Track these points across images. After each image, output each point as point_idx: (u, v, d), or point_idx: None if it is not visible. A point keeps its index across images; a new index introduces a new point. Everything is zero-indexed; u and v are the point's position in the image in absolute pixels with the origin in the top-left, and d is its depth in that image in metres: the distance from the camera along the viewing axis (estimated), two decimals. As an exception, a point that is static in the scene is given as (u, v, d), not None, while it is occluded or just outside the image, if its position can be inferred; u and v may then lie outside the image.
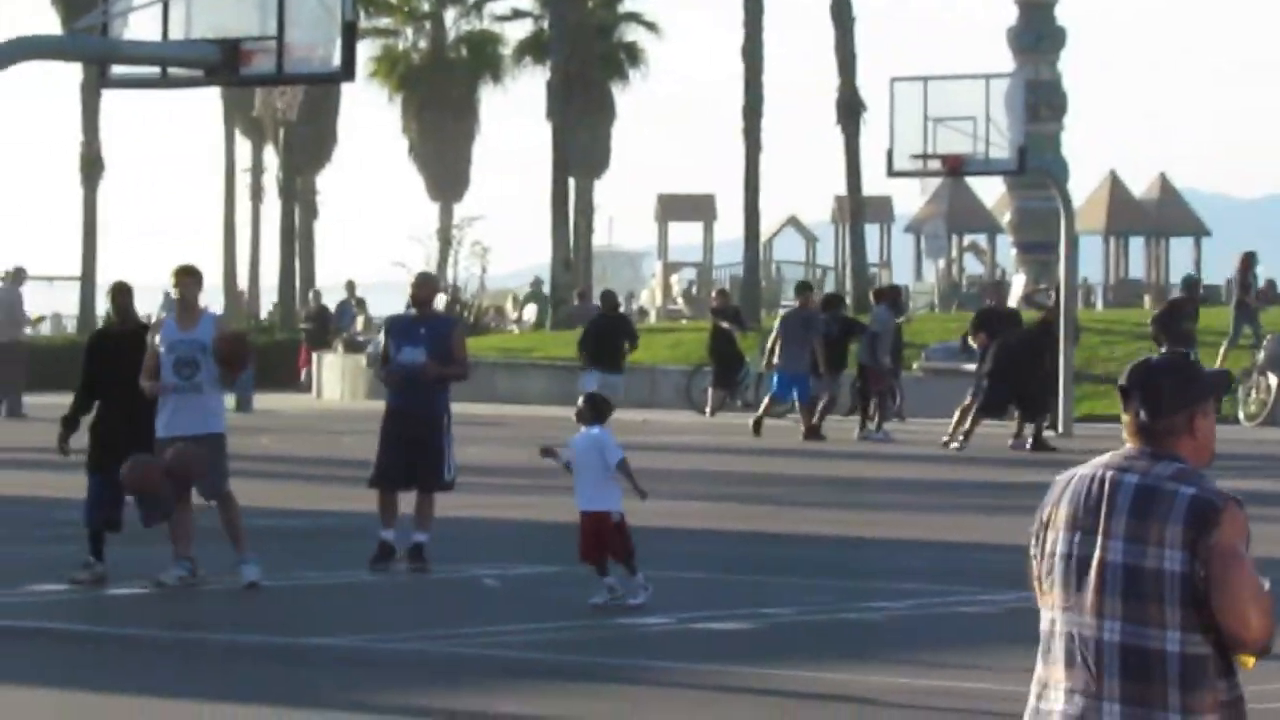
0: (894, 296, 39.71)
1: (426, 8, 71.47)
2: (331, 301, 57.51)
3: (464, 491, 19.93)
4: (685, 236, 74.92)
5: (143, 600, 17.43)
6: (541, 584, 18.41)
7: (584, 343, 36.77)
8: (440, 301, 53.19)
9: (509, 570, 19.08)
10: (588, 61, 62.98)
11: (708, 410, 40.57)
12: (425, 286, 19.66)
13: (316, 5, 16.50)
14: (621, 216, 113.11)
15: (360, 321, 54.56)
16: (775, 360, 36.24)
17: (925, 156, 36.47)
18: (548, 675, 14.16)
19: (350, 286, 58.72)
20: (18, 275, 44.00)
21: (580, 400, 16.61)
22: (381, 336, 19.92)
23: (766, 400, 36.94)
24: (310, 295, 59.70)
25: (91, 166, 59.94)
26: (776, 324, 37.71)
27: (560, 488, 17.51)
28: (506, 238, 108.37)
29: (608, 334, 36.12)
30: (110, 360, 17.47)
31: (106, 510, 17.17)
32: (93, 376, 17.54)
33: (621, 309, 45.29)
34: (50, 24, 53.14)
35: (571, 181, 60.58)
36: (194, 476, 16.78)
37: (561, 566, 17.62)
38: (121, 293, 18.54)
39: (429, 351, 18.31)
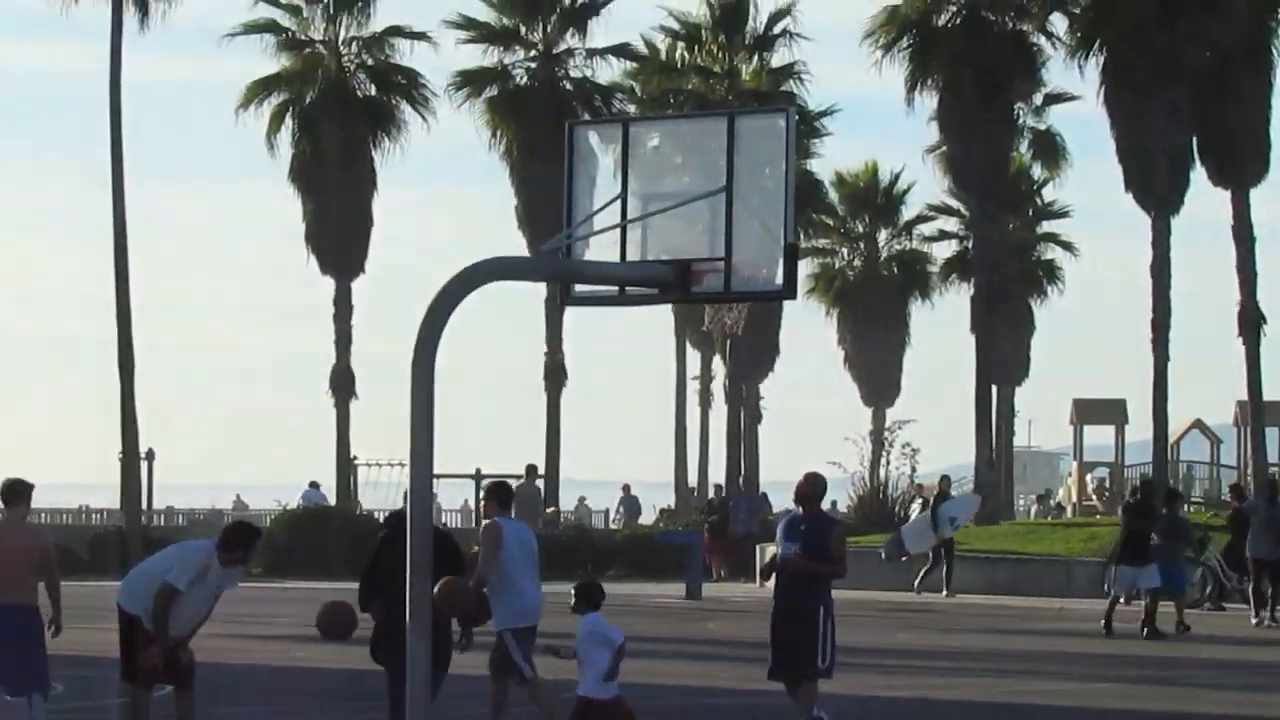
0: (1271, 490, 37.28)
1: (861, 230, 72.16)
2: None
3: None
4: (1098, 438, 73.70)
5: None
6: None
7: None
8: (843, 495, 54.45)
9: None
10: (1009, 278, 62.40)
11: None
12: (808, 485, 19.18)
13: (761, 229, 16.56)
14: (1040, 419, 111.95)
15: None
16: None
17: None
18: None
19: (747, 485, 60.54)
20: (532, 472, 45.18)
21: (572, 590, 15.62)
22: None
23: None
24: (712, 491, 60.29)
25: (555, 375, 61.08)
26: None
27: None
28: (933, 440, 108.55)
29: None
30: None
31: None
32: None
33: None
34: (518, 245, 54.63)
35: (994, 388, 60.89)
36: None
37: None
38: None
39: (804, 546, 18.09)
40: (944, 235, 72.06)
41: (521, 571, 17.99)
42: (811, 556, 18.04)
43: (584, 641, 15.14)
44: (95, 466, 73.96)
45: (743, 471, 62.90)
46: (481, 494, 23.55)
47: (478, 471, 54.29)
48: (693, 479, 71.22)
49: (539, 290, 51.52)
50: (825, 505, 21.31)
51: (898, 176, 73.23)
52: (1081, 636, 32.24)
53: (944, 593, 42.13)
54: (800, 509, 18.70)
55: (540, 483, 43.92)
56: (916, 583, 42.54)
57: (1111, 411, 71.09)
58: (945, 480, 46.74)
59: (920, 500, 47.88)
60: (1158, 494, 36.92)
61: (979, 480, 56.90)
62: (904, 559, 42.75)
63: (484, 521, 19.34)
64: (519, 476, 43.98)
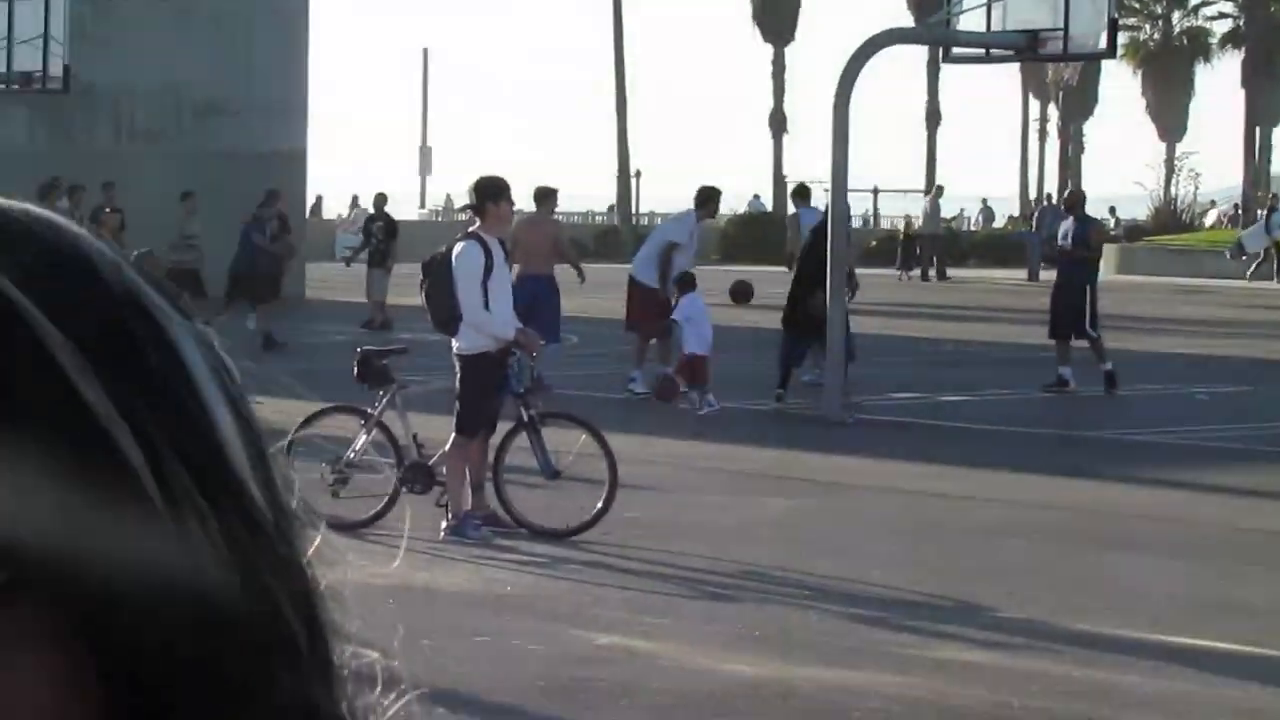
0: None
1: (1160, 10, 71.62)
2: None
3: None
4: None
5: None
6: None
7: None
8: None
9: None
10: (1273, 47, 61.68)
11: None
12: (1073, 198, 20.69)
13: (1090, 7, 17.09)
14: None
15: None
16: None
17: None
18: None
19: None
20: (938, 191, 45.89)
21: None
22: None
23: None
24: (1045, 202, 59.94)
25: (933, 117, 62.37)
26: None
27: None
28: (1211, 166, 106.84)
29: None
30: None
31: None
32: None
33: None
34: (904, 18, 54.34)
35: (1258, 129, 63.32)
36: None
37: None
38: None
39: (1073, 239, 18.78)
40: (1221, 16, 71.76)
41: None
42: (1076, 246, 18.81)
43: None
44: (598, 182, 77.04)
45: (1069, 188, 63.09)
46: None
47: (875, 188, 61.66)
48: (1032, 194, 71.26)
49: (920, 52, 52.56)
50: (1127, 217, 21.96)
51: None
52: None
53: (1274, 280, 40.94)
54: (1070, 214, 19.81)
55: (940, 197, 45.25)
56: (1249, 273, 41.77)
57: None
58: (1275, 198, 45.33)
59: (1218, 211, 51.98)
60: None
61: (1245, 199, 57.92)
62: (1243, 257, 42.22)
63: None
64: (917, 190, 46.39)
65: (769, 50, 61.13)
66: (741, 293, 20.54)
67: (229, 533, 0.56)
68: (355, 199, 56.77)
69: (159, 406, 0.56)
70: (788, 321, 17.13)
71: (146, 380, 0.56)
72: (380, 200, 27.33)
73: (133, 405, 0.55)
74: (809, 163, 49.34)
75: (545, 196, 18.56)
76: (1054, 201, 54.00)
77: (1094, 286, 18.26)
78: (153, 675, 0.54)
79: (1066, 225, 19.08)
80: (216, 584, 0.55)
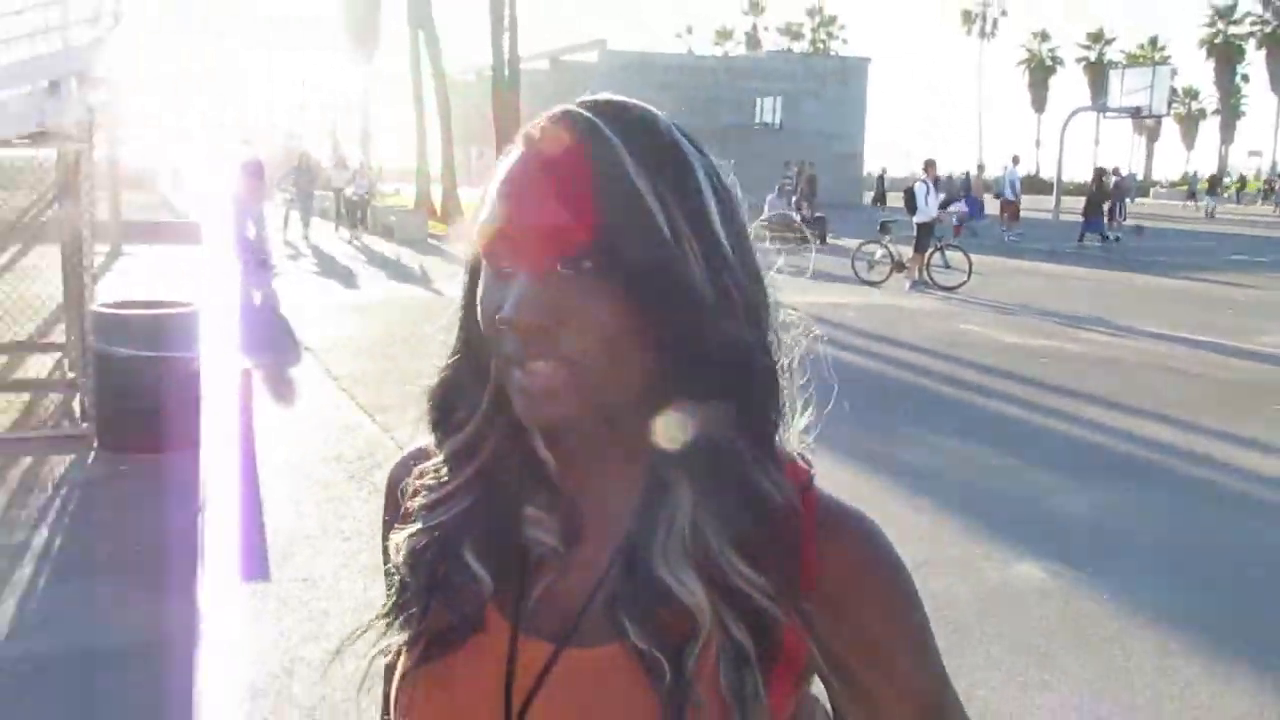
0: None
1: None
2: None
3: None
4: None
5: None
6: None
7: None
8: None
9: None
10: None
11: None
12: None
13: None
14: None
15: None
16: None
17: None
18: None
19: None
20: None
21: None
22: None
23: None
24: None
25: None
26: None
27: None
28: None
29: None
30: None
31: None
32: None
33: None
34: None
35: None
36: None
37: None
38: None
39: None
40: None
41: None
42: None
43: None
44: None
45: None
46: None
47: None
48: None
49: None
50: None
51: None
52: None
53: None
54: None
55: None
56: None
57: None
58: None
59: None
60: None
61: None
62: None
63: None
64: None
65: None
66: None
67: (705, 254, 1.18)
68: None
69: (677, 191, 1.18)
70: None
71: (672, 180, 1.19)
72: None
73: (662, 190, 1.17)
74: None
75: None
76: None
77: None
78: (657, 316, 1.16)
79: None
80: (697, 276, 1.17)
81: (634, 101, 1.23)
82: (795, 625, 1.22)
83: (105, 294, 9.46)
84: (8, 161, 10.01)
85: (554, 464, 1.28)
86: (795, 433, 1.30)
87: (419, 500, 1.34)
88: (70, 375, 10.42)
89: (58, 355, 11.51)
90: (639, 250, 1.15)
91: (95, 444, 8.72)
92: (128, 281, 17.38)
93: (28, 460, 8.45)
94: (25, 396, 10.34)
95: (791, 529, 1.22)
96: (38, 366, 11.46)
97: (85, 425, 8.95)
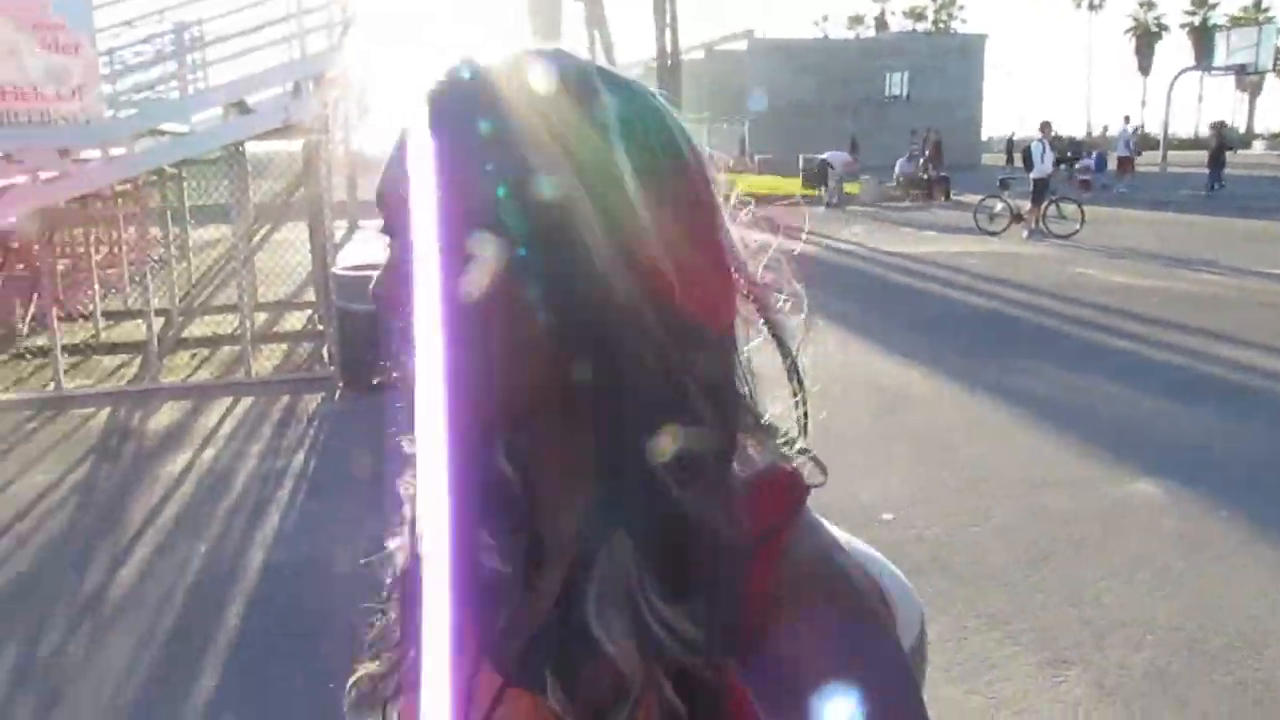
0: None
1: None
2: None
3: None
4: None
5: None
6: None
7: None
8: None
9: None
10: None
11: None
12: None
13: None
14: None
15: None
16: None
17: None
18: None
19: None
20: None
21: None
22: None
23: None
24: None
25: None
26: None
27: None
28: None
29: None
30: None
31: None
32: None
33: None
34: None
35: None
36: None
37: None
38: None
39: None
40: None
41: None
42: None
43: None
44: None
45: None
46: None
47: None
48: None
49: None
50: None
51: None
52: None
53: None
54: None
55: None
56: None
57: None
58: None
59: None
60: None
61: None
62: None
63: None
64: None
65: None
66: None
67: (668, 209, 1.07)
68: None
69: (649, 151, 1.07)
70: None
71: (651, 147, 1.08)
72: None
73: (636, 153, 1.06)
74: None
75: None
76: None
77: None
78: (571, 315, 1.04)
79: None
80: (652, 241, 1.05)
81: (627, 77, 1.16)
82: (742, 691, 1.02)
83: (345, 260, 10.52)
84: (261, 152, 11.61)
85: (515, 477, 1.13)
86: (800, 441, 1.13)
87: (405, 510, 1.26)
88: (319, 328, 11.79)
89: (309, 311, 13.16)
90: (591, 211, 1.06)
91: (340, 384, 9.92)
92: (364, 250, 18.92)
93: (286, 398, 9.73)
94: (284, 346, 11.75)
95: (726, 585, 1.00)
96: (293, 321, 13.03)
97: (331, 369, 10.22)
